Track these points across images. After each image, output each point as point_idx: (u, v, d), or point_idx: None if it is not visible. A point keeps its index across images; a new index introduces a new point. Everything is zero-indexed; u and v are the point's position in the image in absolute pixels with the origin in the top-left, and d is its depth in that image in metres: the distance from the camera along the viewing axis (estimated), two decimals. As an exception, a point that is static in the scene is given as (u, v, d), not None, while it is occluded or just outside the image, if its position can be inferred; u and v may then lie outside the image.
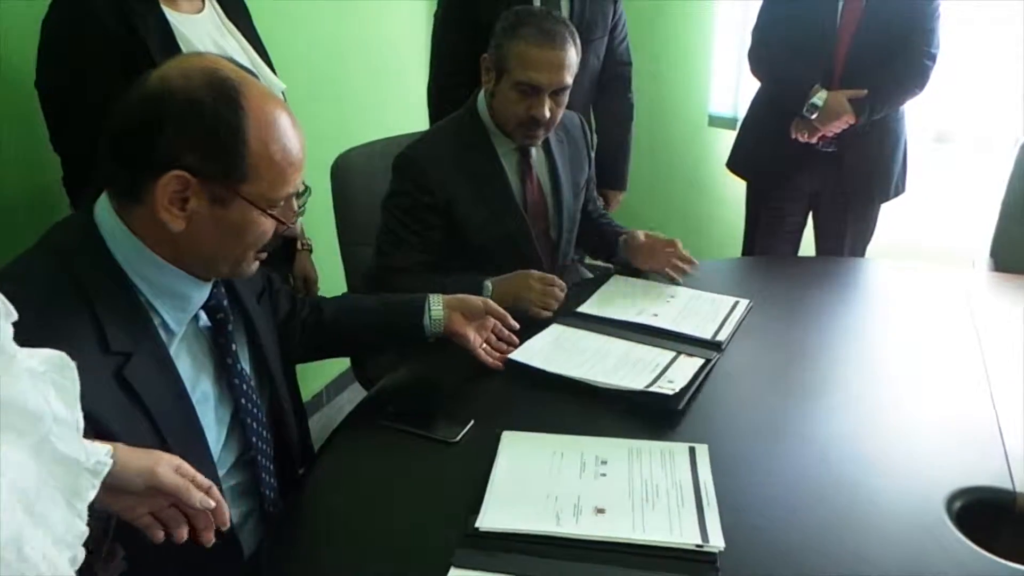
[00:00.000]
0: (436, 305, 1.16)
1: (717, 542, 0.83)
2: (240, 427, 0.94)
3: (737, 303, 1.41)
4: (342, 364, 2.27)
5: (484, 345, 1.19)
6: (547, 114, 1.38)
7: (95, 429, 0.74)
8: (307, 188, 0.90)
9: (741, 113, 2.39)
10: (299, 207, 0.90)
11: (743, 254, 2.16)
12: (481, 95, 1.47)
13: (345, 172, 1.69)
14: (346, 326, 1.18)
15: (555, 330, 1.29)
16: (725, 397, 1.15)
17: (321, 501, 0.94)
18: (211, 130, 0.78)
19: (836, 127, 1.86)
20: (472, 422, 1.04)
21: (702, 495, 0.90)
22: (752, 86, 2.10)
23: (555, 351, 1.22)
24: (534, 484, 0.92)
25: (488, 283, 1.33)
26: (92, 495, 0.56)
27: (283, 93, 1.41)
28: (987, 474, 0.97)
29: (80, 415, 0.56)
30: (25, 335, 0.58)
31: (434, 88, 1.96)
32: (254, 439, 0.96)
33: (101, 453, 0.58)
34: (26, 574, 0.47)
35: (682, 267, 1.49)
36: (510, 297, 1.28)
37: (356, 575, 0.83)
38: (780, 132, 1.93)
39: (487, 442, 1.00)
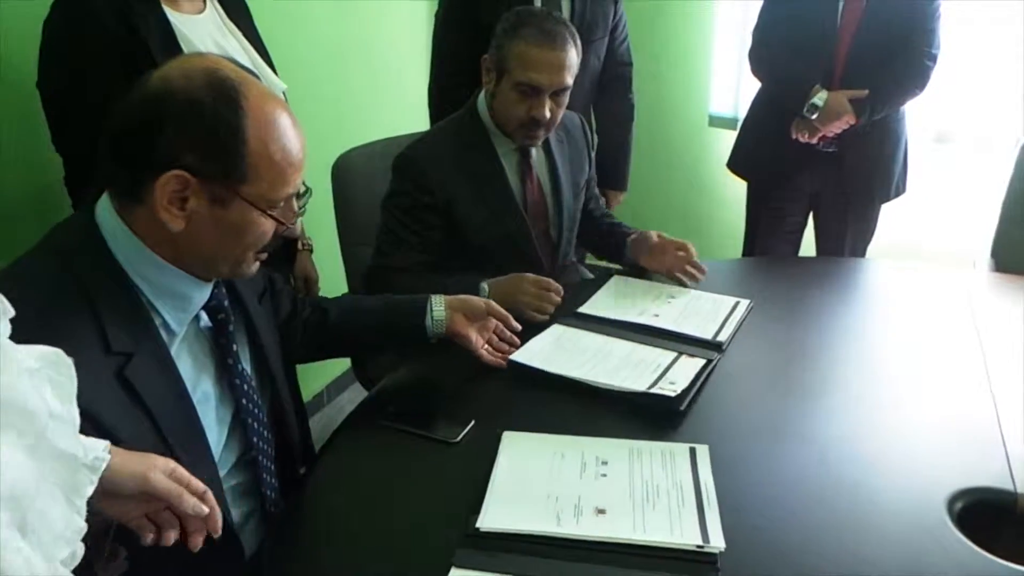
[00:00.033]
0: (438, 306, 1.16)
1: (718, 543, 0.83)
2: (241, 427, 0.94)
3: (738, 303, 1.41)
4: (343, 364, 2.27)
5: (486, 346, 1.18)
6: (547, 115, 1.38)
7: (96, 429, 0.74)
8: (308, 189, 0.90)
9: (742, 113, 2.39)
10: (299, 208, 0.90)
11: (744, 254, 2.16)
12: (481, 95, 1.47)
13: (346, 172, 1.69)
14: (348, 327, 1.18)
15: (556, 330, 1.29)
16: (726, 398, 1.15)
17: (322, 501, 0.94)
18: (211, 130, 0.78)
19: (836, 127, 1.86)
20: (473, 422, 1.04)
21: (703, 496, 0.90)
22: (753, 86, 2.10)
23: (556, 352, 1.22)
24: (535, 484, 0.92)
25: (484, 285, 1.33)
26: (90, 491, 0.56)
27: (284, 93, 1.41)
28: (988, 475, 0.97)
29: (76, 411, 0.56)
30: (27, 335, 0.59)
31: (435, 88, 1.96)
32: (255, 439, 0.96)
33: (99, 449, 0.59)
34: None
35: (693, 273, 1.47)
36: (506, 300, 1.28)
37: (357, 575, 0.83)
38: (780, 132, 1.93)
39: (488, 442, 1.00)
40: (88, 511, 0.55)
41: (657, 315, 1.36)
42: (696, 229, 2.77)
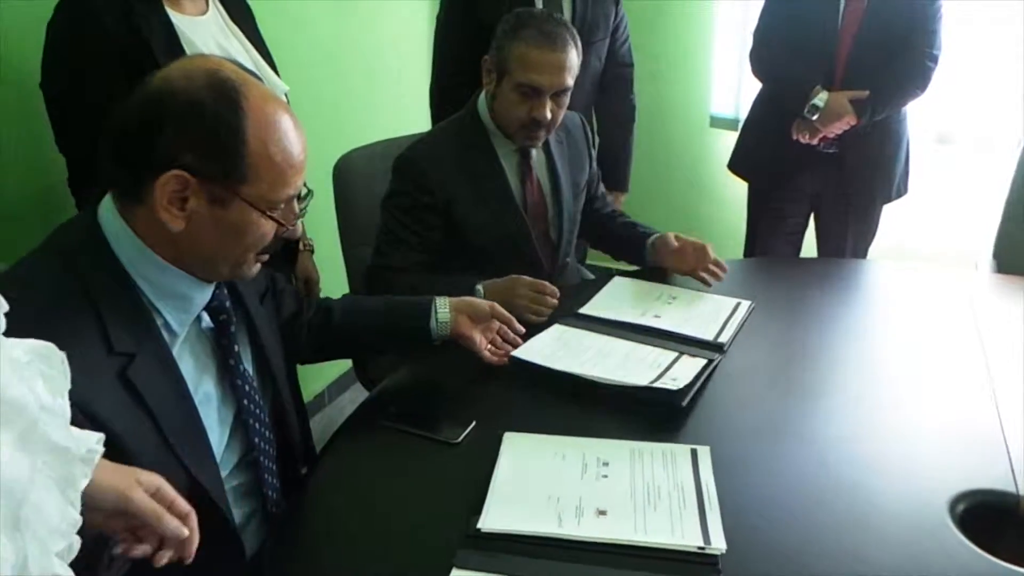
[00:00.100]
0: (443, 308, 1.16)
1: (719, 544, 0.82)
2: (243, 428, 0.94)
3: (739, 304, 1.41)
4: (344, 365, 2.27)
5: (489, 346, 1.18)
6: (548, 115, 1.38)
7: (98, 430, 0.74)
8: (309, 191, 0.89)
9: (742, 114, 2.39)
10: (300, 210, 0.89)
11: (744, 255, 2.16)
12: (482, 96, 1.47)
13: (347, 173, 1.69)
14: (351, 328, 1.18)
15: (557, 330, 1.29)
16: (727, 399, 1.15)
17: (323, 502, 0.94)
18: (211, 130, 0.78)
19: (837, 128, 1.86)
20: (474, 423, 1.04)
21: (704, 497, 0.90)
22: (753, 87, 2.10)
23: (557, 349, 1.22)
24: (536, 485, 0.92)
25: (480, 287, 1.33)
26: (84, 483, 0.56)
27: (286, 95, 1.41)
28: (990, 477, 0.97)
29: (68, 405, 0.56)
30: (30, 335, 0.59)
31: (436, 89, 1.96)
32: (257, 440, 0.96)
33: (92, 441, 0.58)
34: None
35: (714, 271, 1.47)
36: (501, 302, 1.27)
37: (358, 575, 0.83)
38: (781, 133, 1.93)
39: (489, 443, 1.00)
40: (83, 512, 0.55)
41: (658, 316, 1.36)
42: (697, 230, 2.73)
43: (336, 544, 0.87)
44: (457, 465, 0.98)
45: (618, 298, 1.44)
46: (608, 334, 1.28)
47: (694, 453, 0.98)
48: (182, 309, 0.86)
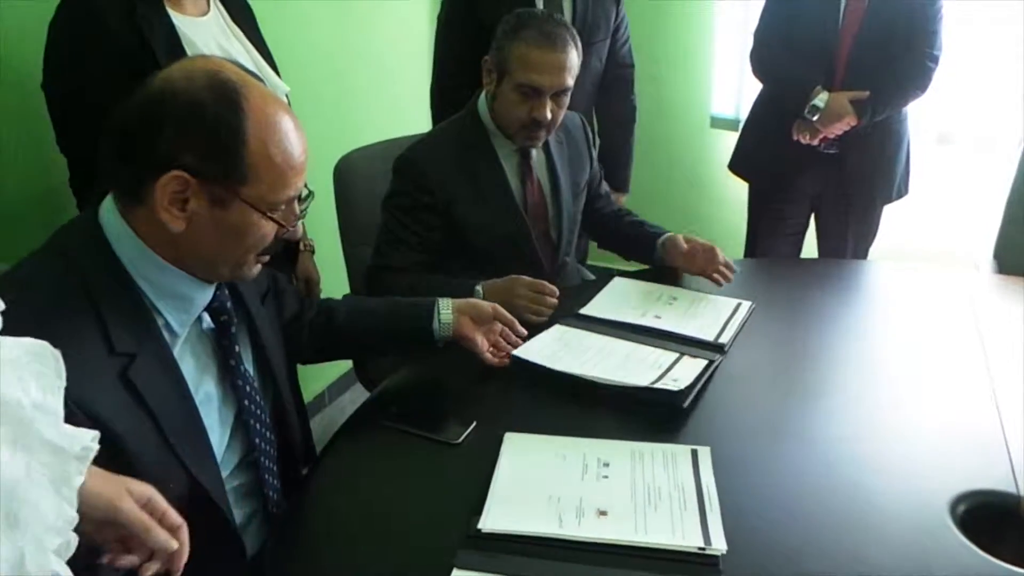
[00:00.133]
0: (445, 309, 1.16)
1: (720, 545, 0.82)
2: (243, 428, 0.94)
3: (739, 305, 1.41)
4: (344, 365, 2.27)
5: (491, 348, 1.18)
6: (548, 116, 1.38)
7: (99, 430, 0.74)
8: (310, 192, 0.90)
9: (743, 115, 2.39)
10: (301, 211, 0.89)
11: (745, 256, 2.16)
12: (482, 97, 1.47)
13: (347, 174, 1.69)
14: (354, 329, 1.18)
15: (557, 330, 1.29)
16: (728, 399, 1.15)
17: (324, 502, 0.94)
18: (211, 131, 0.79)
19: (837, 129, 1.86)
20: (475, 423, 1.04)
21: (705, 498, 0.90)
22: (754, 88, 2.10)
23: (558, 349, 1.22)
24: (536, 486, 0.92)
25: (479, 288, 1.33)
26: (80, 480, 0.56)
27: (286, 96, 1.41)
28: (991, 478, 0.96)
29: (61, 403, 0.56)
30: (31, 335, 0.59)
31: (437, 90, 1.97)
32: (257, 440, 0.96)
33: (86, 439, 0.58)
34: None
35: (724, 273, 1.46)
36: (501, 302, 1.27)
37: (358, 575, 0.83)
38: (782, 134, 1.93)
39: (490, 443, 1.00)
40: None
41: (659, 317, 1.36)
42: (697, 230, 2.72)
43: (337, 544, 0.87)
44: (458, 465, 0.98)
45: (618, 299, 1.44)
46: (609, 334, 1.29)
47: (695, 453, 0.98)
48: (183, 310, 0.87)
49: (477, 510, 0.87)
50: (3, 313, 0.55)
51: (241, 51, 1.38)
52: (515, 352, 1.19)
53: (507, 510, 0.87)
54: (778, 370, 1.27)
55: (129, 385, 0.78)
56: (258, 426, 0.96)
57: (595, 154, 1.66)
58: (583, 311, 1.37)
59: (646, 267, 1.60)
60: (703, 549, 0.82)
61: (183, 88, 0.79)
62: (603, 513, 0.88)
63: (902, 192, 2.03)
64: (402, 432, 1.03)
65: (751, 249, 2.14)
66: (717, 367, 1.20)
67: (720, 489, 0.91)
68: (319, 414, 2.29)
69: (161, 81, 0.80)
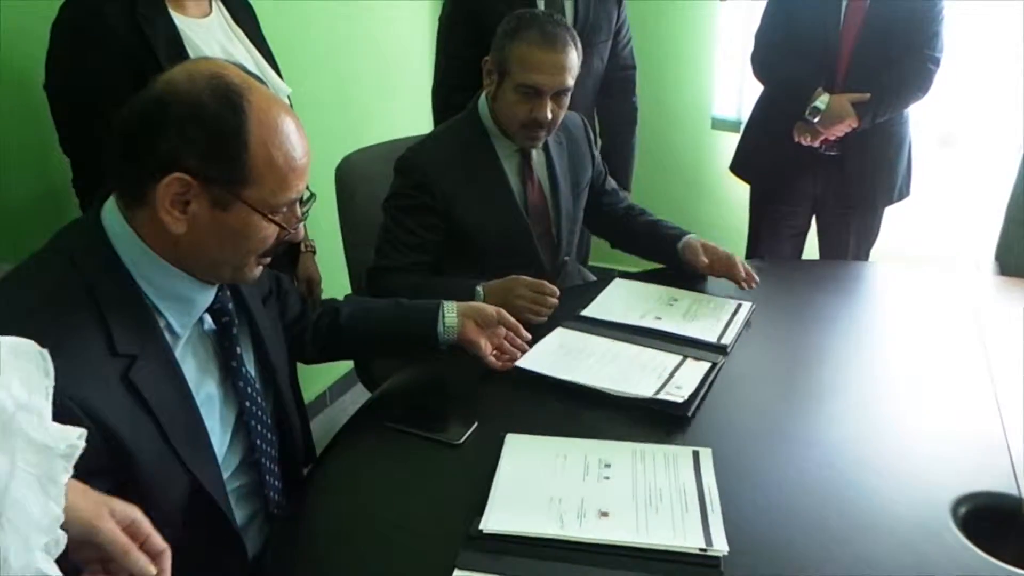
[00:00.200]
0: (450, 312, 1.15)
1: (721, 546, 0.82)
2: (245, 429, 0.94)
3: (740, 306, 1.41)
4: (345, 365, 2.27)
5: (494, 351, 1.18)
6: (549, 116, 1.38)
7: (101, 431, 0.74)
8: (312, 195, 0.89)
9: (744, 116, 2.39)
10: (303, 213, 0.89)
11: (746, 257, 2.15)
12: (482, 98, 1.47)
13: (349, 175, 1.69)
14: (358, 331, 1.18)
15: (559, 334, 1.29)
16: (729, 401, 1.15)
17: (325, 502, 0.94)
18: (213, 133, 0.79)
19: (838, 130, 1.86)
20: (476, 424, 1.04)
21: (706, 499, 0.90)
22: (755, 89, 2.10)
23: (561, 356, 1.21)
24: (538, 486, 0.92)
25: (479, 288, 1.33)
26: (66, 478, 0.56)
27: (288, 97, 1.41)
28: (993, 479, 0.96)
29: (47, 402, 0.56)
30: (33, 336, 0.59)
31: (438, 91, 1.97)
32: (258, 441, 0.96)
33: (72, 437, 0.58)
34: None
35: (748, 280, 1.45)
36: (501, 303, 1.26)
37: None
38: (783, 135, 1.93)
39: (491, 444, 1.00)
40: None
41: (659, 318, 1.36)
42: (699, 232, 2.74)
43: (338, 545, 0.87)
44: (459, 466, 0.98)
45: (619, 300, 1.44)
46: (610, 337, 1.28)
47: (696, 455, 0.98)
48: (184, 311, 0.87)
49: (478, 511, 0.87)
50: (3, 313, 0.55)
51: (243, 52, 1.38)
52: (518, 363, 1.18)
53: (508, 511, 0.87)
54: (779, 371, 1.27)
55: (131, 386, 0.78)
56: (259, 427, 0.96)
57: (597, 152, 1.66)
58: (584, 313, 1.37)
59: (646, 268, 1.60)
60: (704, 550, 0.82)
61: (185, 90, 0.79)
62: (604, 514, 0.88)
63: (903, 194, 2.03)
64: (403, 433, 1.03)
65: (752, 250, 2.14)
66: (720, 369, 1.20)
67: (721, 490, 0.91)
68: (320, 415, 2.29)
69: (163, 83, 0.80)
